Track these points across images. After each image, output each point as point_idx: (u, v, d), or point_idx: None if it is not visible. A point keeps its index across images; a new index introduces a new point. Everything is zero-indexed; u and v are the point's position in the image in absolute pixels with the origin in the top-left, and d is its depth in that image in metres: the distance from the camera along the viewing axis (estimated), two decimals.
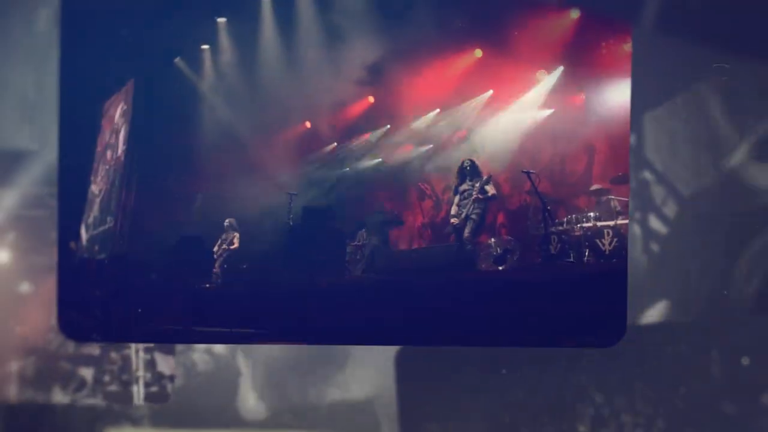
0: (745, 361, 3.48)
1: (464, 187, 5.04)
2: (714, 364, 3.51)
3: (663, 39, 3.55)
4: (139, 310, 3.94)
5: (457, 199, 5.06)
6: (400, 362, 3.53)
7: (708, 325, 3.51)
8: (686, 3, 3.56)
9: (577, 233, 4.79)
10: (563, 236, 4.87)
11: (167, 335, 3.79)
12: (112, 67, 4.42)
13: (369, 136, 5.62)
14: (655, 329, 3.53)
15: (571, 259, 4.70)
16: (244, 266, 4.95)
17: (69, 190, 3.86)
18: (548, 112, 5.22)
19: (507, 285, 4.36)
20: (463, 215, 4.92)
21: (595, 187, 4.97)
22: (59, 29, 3.85)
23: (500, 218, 5.32)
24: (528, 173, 4.87)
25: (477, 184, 4.98)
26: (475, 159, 5.13)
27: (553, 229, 4.84)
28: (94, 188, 4.62)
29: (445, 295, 4.11)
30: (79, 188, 4.36)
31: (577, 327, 3.62)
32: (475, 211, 4.89)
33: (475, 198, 4.92)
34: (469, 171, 5.05)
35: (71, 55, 3.88)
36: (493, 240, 5.07)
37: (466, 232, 4.89)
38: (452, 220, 4.96)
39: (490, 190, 4.98)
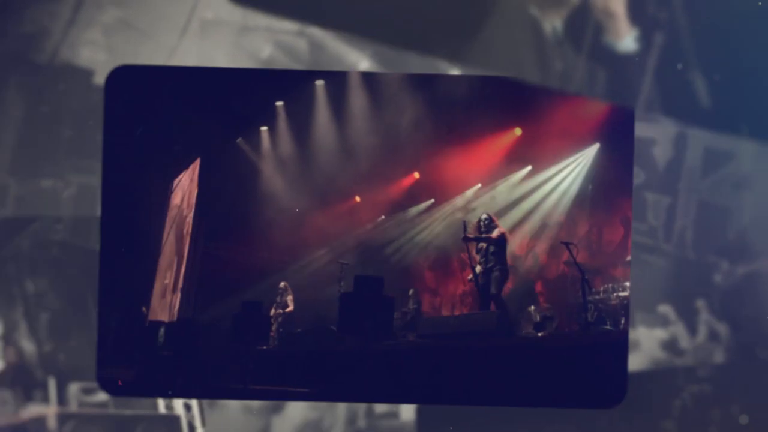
0: None
1: (478, 246, 5.05)
2: None
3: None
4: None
5: (478, 257, 5.06)
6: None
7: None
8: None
9: (613, 302, 4.95)
10: (600, 305, 5.03)
11: (228, 392, 4.03)
12: (182, 147, 4.74)
13: (414, 210, 5.84)
14: None
15: (608, 327, 4.85)
16: (299, 330, 5.17)
17: (140, 259, 4.14)
18: (587, 185, 5.46)
19: (546, 351, 4.55)
20: (484, 269, 4.97)
21: (629, 257, 5.13)
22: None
23: (539, 287, 5.52)
24: (567, 244, 4.99)
25: (489, 234, 4.98)
26: (491, 214, 5.14)
27: (590, 297, 5.02)
28: (163, 259, 4.90)
29: (486, 359, 4.32)
30: (150, 257, 4.64)
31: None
32: (497, 267, 4.93)
33: (487, 247, 4.97)
34: (485, 225, 5.04)
35: (146, 137, 4.20)
36: (533, 308, 5.24)
37: (493, 288, 4.89)
38: (476, 271, 5.01)
39: (496, 231, 4.99)
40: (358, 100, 5.34)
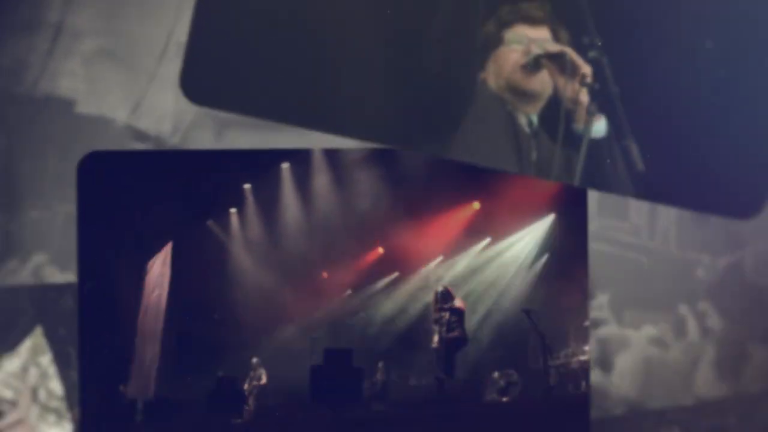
0: None
1: (437, 315, 5.36)
2: None
3: None
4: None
5: (437, 327, 5.39)
6: None
7: None
8: None
9: (574, 365, 5.19)
10: (561, 369, 5.28)
11: None
12: (154, 231, 4.92)
13: (380, 283, 6.03)
14: None
15: (569, 390, 5.09)
16: (272, 403, 5.24)
17: (117, 337, 4.28)
18: (544, 254, 5.72)
19: (511, 415, 4.77)
20: (443, 337, 5.27)
21: (587, 322, 5.41)
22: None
23: (501, 353, 5.73)
24: (526, 311, 5.27)
25: (446, 305, 5.31)
26: (448, 286, 5.48)
27: (551, 362, 5.21)
28: (139, 338, 5.05)
29: (453, 425, 4.51)
30: (126, 336, 4.78)
31: None
32: (456, 335, 5.26)
33: (449, 318, 5.28)
34: (442, 297, 5.36)
35: (121, 220, 4.36)
36: (497, 373, 5.46)
37: (450, 355, 5.23)
38: (437, 339, 5.33)
39: (454, 302, 5.33)
40: (322, 178, 5.52)
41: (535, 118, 3.95)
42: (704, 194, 4.04)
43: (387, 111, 4.10)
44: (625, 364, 4.55)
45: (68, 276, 4.22)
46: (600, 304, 4.81)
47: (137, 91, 4.19)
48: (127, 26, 4.23)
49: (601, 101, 3.87)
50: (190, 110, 4.16)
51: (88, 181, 4.28)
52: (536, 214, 5.64)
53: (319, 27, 4.00)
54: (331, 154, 5.37)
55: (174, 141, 4.29)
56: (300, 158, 5.40)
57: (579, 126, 3.84)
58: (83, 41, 4.20)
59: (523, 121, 3.91)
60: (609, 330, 4.68)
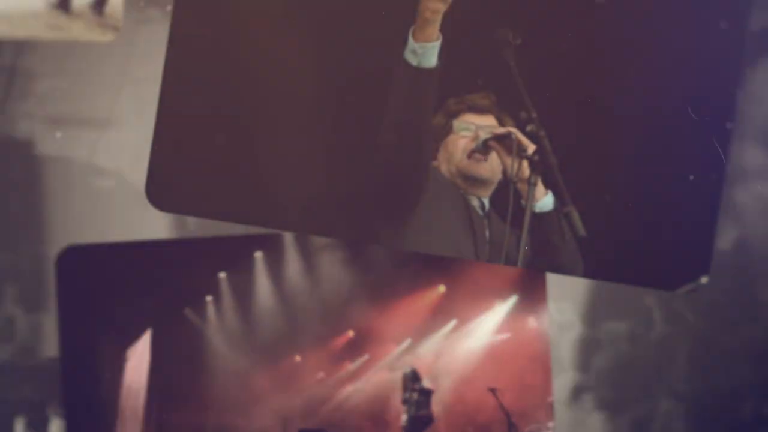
0: None
1: (406, 395, 5.58)
2: None
3: None
4: None
5: (404, 408, 5.61)
6: None
7: None
8: None
9: None
10: None
11: None
12: (133, 320, 5.11)
13: (351, 366, 6.23)
14: None
15: None
16: None
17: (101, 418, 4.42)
18: (506, 333, 5.97)
19: None
20: (410, 416, 5.48)
21: (551, 399, 5.66)
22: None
23: (470, 431, 5.93)
24: (492, 390, 5.49)
25: (415, 386, 5.52)
26: (416, 367, 5.69)
27: None
28: (119, 421, 5.21)
29: None
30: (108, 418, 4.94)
31: None
32: (421, 415, 5.46)
33: (417, 397, 5.48)
34: (410, 379, 5.57)
35: (100, 310, 4.55)
36: None
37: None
38: (402, 425, 5.51)
39: (422, 382, 5.54)
40: (293, 264, 5.77)
41: (486, 201, 4.18)
42: (637, 267, 4.28)
43: (343, 202, 4.29)
44: None
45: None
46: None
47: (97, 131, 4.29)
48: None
49: (542, 173, 4.07)
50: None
51: (68, 275, 4.47)
52: (500, 296, 5.89)
53: (271, 125, 4.23)
54: (301, 240, 5.64)
55: (135, 177, 4.39)
56: (272, 244, 5.66)
57: (527, 203, 4.06)
58: (39, 81, 4.30)
59: (475, 203, 4.15)
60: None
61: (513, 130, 4.05)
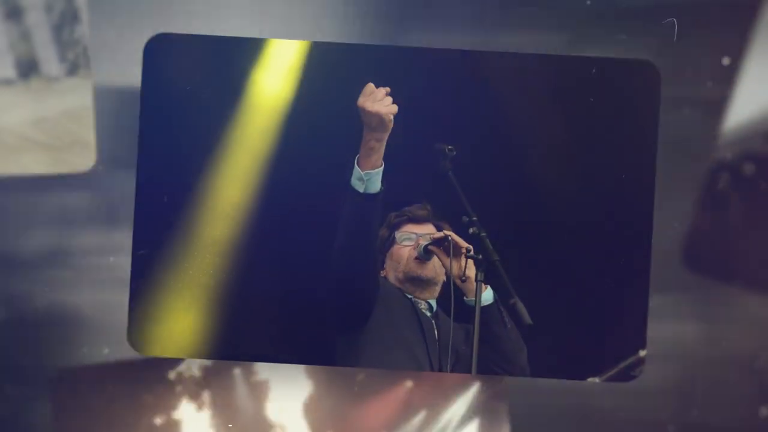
0: None
1: None
2: None
3: None
4: None
5: None
6: None
7: None
8: None
9: None
10: None
11: None
12: None
13: None
14: None
15: None
16: None
17: None
18: (471, 418, 6.28)
19: None
20: None
21: None
22: None
23: None
24: None
25: None
26: None
27: None
28: None
29: None
30: None
31: None
32: None
33: None
34: None
35: None
36: None
37: None
38: None
39: None
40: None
41: (433, 302, 4.59)
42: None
43: (296, 324, 4.58)
44: None
45: None
46: None
47: None
48: None
49: (485, 270, 4.48)
50: None
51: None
52: (462, 384, 6.23)
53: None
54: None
55: None
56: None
57: (469, 299, 4.46)
58: None
59: (423, 306, 4.55)
60: None
61: (449, 233, 4.50)
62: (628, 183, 4.69)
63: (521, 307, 4.38)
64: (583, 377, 4.63)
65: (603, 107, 4.74)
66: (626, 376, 4.65)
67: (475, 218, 4.38)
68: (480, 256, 4.37)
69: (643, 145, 4.66)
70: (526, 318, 4.32)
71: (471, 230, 4.40)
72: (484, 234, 4.40)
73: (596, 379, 4.80)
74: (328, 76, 4.15)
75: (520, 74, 4.60)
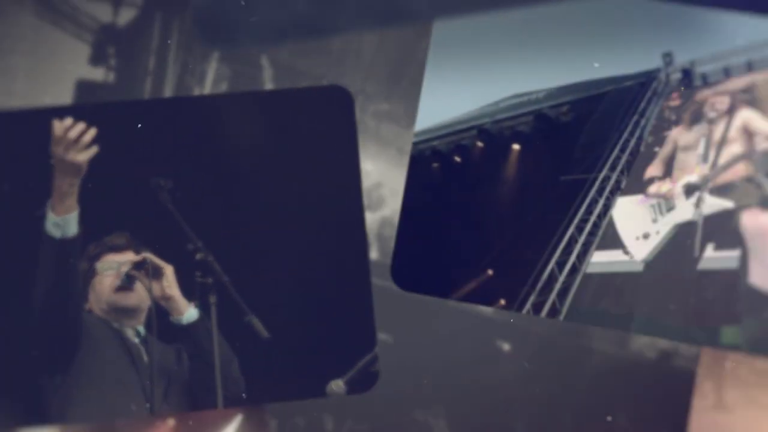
0: None
1: None
2: None
3: None
4: None
5: None
6: None
7: None
8: None
9: None
10: None
11: None
12: None
13: None
14: None
15: None
16: None
17: None
18: None
19: None
20: None
21: None
22: None
23: None
24: None
25: None
26: None
27: None
28: None
29: None
30: None
31: None
32: None
33: None
34: None
35: None
36: None
37: None
38: None
39: None
40: None
41: (141, 328, 4.50)
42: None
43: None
44: None
45: None
46: None
47: None
48: None
49: (217, 292, 4.37)
50: None
51: None
52: (225, 415, 6.15)
53: None
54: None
55: None
56: None
57: (174, 317, 4.40)
58: None
59: (130, 333, 4.45)
60: None
61: (147, 255, 4.41)
62: (337, 201, 4.80)
63: (256, 322, 4.42)
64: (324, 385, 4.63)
65: (304, 133, 4.86)
66: (368, 373, 4.66)
67: (199, 244, 4.36)
68: (210, 280, 4.32)
69: (346, 165, 4.79)
70: (263, 332, 4.32)
71: (198, 256, 4.35)
72: (211, 258, 4.40)
73: (339, 382, 4.79)
74: None
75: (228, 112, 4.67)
